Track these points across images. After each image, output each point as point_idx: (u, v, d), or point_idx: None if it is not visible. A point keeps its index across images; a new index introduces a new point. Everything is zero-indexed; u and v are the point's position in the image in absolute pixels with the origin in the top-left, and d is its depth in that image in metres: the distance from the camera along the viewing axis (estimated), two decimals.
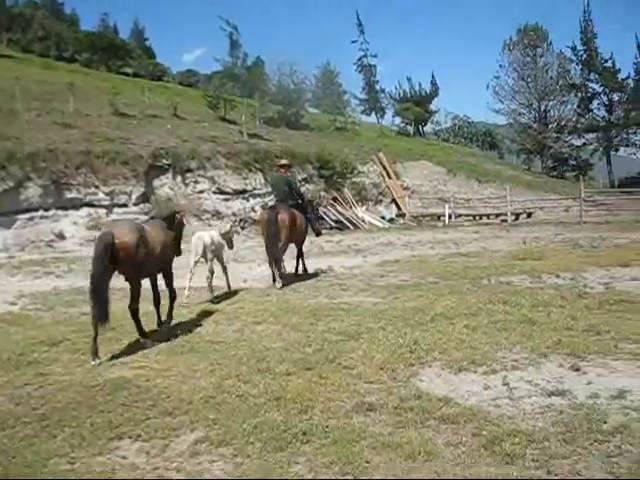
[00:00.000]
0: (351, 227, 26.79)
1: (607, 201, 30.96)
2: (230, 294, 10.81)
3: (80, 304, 9.92)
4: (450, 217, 28.87)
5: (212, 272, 10.72)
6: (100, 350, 6.85)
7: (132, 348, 7.18)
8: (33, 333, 7.98)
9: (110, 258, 6.86)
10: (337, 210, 27.56)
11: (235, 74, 34.91)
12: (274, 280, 11.75)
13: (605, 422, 4.49)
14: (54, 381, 5.95)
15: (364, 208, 29.72)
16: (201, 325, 8.40)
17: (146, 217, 10.67)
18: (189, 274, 10.39)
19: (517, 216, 29.04)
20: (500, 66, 53.57)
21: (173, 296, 8.44)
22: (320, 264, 14.52)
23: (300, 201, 13.31)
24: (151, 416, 4.99)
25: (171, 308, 8.39)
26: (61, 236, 19.17)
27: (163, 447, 4.45)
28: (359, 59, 63.10)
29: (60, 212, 19.81)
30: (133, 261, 7.12)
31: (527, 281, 11.08)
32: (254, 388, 5.51)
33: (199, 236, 10.65)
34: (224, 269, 11.22)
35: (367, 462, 4.04)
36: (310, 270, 13.43)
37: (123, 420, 4.91)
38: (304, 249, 13.64)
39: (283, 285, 11.58)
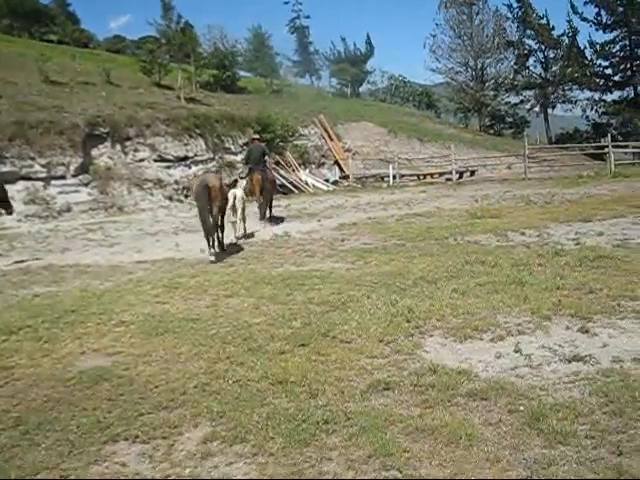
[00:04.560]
0: (295, 191, 26.29)
1: (548, 157, 31.28)
2: (192, 270, 10.12)
3: (30, 285, 9.15)
4: (394, 177, 28.51)
5: (243, 219, 13.75)
6: (64, 337, 6.23)
7: (99, 331, 6.51)
8: None
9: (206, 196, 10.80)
10: (280, 174, 26.86)
11: (169, 38, 33.28)
12: (262, 220, 15.40)
13: None
14: (21, 375, 5.25)
15: (307, 171, 29.17)
16: (168, 302, 7.73)
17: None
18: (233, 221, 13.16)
19: (461, 174, 28.96)
20: (436, 24, 52.83)
21: (223, 228, 11.98)
22: (275, 230, 14.17)
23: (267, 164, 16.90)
24: (144, 411, 4.37)
25: (222, 237, 11.93)
26: None
27: (167, 448, 3.85)
28: (292, 20, 61.95)
29: None
30: (219, 198, 11.13)
31: (494, 240, 10.90)
32: (251, 371, 4.98)
33: (232, 192, 13.18)
34: (243, 218, 13.81)
35: (406, 452, 3.56)
36: (266, 236, 13.35)
37: (113, 418, 4.28)
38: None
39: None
